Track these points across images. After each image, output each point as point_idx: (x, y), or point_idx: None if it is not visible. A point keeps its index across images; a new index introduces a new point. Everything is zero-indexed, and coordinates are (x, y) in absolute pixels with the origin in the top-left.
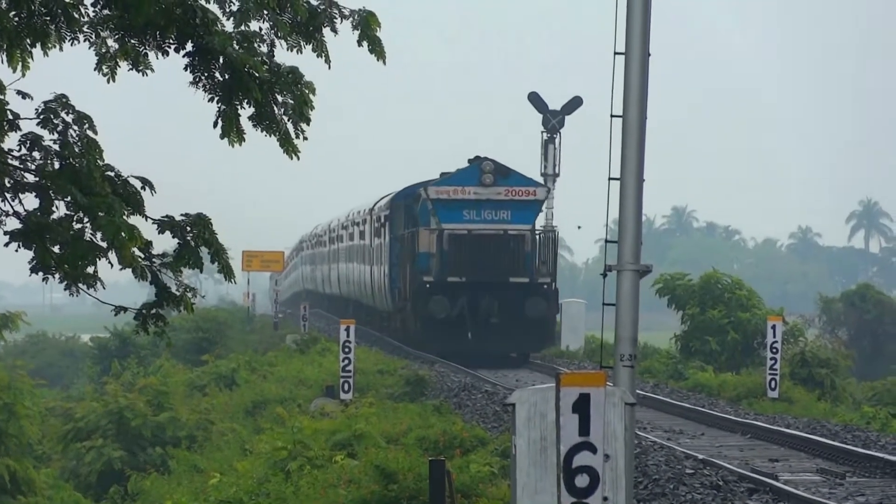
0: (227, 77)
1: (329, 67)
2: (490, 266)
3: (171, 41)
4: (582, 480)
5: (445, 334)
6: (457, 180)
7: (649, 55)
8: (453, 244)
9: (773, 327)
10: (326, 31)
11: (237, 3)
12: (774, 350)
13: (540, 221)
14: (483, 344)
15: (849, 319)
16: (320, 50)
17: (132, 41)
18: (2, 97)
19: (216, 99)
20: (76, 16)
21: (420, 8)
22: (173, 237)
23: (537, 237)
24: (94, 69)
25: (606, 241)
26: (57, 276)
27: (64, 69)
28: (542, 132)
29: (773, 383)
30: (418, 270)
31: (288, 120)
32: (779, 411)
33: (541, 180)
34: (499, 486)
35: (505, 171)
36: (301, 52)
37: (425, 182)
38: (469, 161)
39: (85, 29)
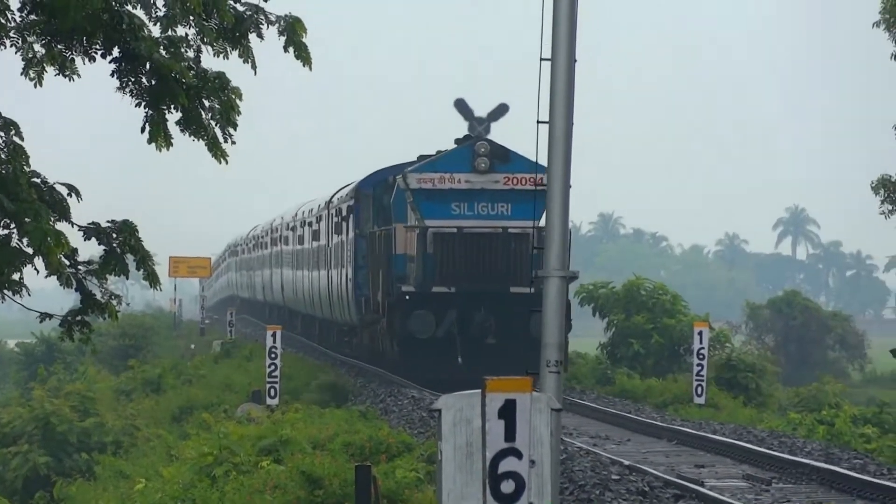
0: (153, 82)
1: (255, 73)
2: (486, 273)
3: (98, 47)
4: (508, 486)
5: (429, 359)
6: (444, 165)
7: (575, 61)
8: (440, 245)
9: (700, 333)
10: (252, 36)
11: (163, 9)
12: (701, 356)
13: None
14: (477, 370)
15: (775, 326)
16: (246, 56)
17: (59, 46)
18: None
19: (143, 104)
20: (2, 21)
21: (337, 15)
22: (99, 244)
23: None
24: (21, 74)
25: (534, 248)
26: None
27: None
28: None
29: (699, 389)
30: (395, 278)
31: (216, 125)
32: (705, 417)
33: None
34: (424, 492)
35: (504, 153)
36: (227, 58)
37: (401, 166)
38: (457, 141)
39: (11, 34)
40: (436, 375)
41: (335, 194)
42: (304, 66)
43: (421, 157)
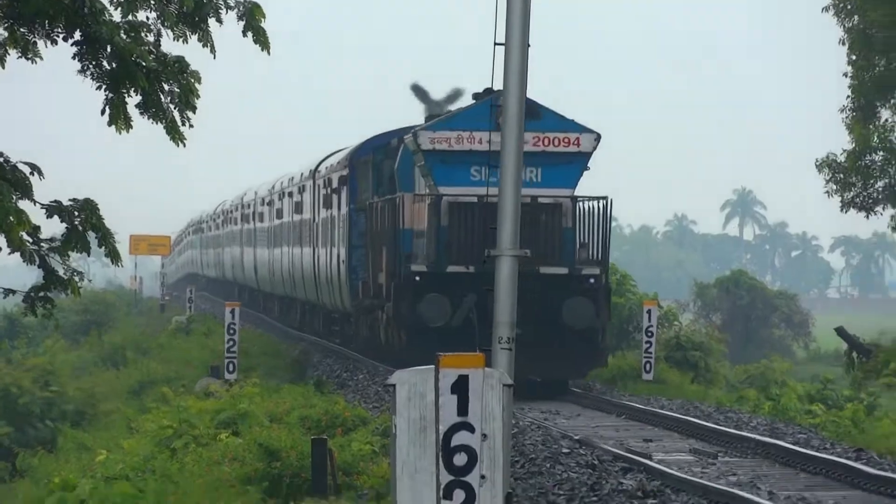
0: (114, 66)
1: (214, 57)
2: None
3: (60, 30)
4: (460, 459)
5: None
6: (461, 122)
7: (529, 46)
8: (456, 217)
9: (649, 311)
10: (212, 21)
11: None
12: (649, 334)
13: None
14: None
15: (722, 305)
16: (206, 40)
17: (21, 30)
18: None
19: (104, 87)
20: None
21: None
22: (61, 221)
23: (581, 207)
24: None
25: (490, 227)
26: None
27: None
28: None
29: (647, 366)
30: (401, 256)
31: (174, 108)
32: (653, 393)
33: None
34: (379, 465)
35: (533, 108)
36: (187, 42)
37: (408, 128)
38: (475, 96)
39: None
40: None
41: (322, 162)
42: (262, 50)
43: (428, 117)
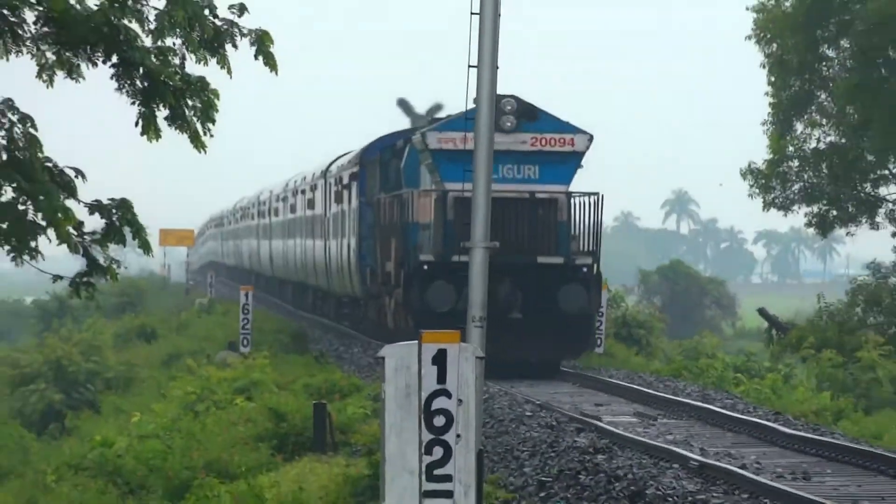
0: (146, 85)
1: (231, 77)
2: (511, 241)
3: (100, 54)
4: (439, 421)
5: None
6: (466, 124)
7: (497, 68)
8: (461, 211)
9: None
10: (228, 46)
11: (154, 23)
12: (600, 313)
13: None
14: (501, 348)
15: (662, 289)
16: (223, 62)
17: (67, 54)
18: None
19: (137, 103)
20: (20, 32)
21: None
22: (101, 218)
23: (574, 202)
24: (36, 76)
25: (466, 223)
26: (6, 248)
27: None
28: None
29: (598, 341)
30: (410, 247)
31: (197, 120)
32: (603, 364)
33: None
34: (370, 425)
35: (531, 111)
36: (207, 64)
37: (414, 129)
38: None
39: (27, 44)
40: None
41: (333, 163)
42: (270, 71)
43: (433, 120)
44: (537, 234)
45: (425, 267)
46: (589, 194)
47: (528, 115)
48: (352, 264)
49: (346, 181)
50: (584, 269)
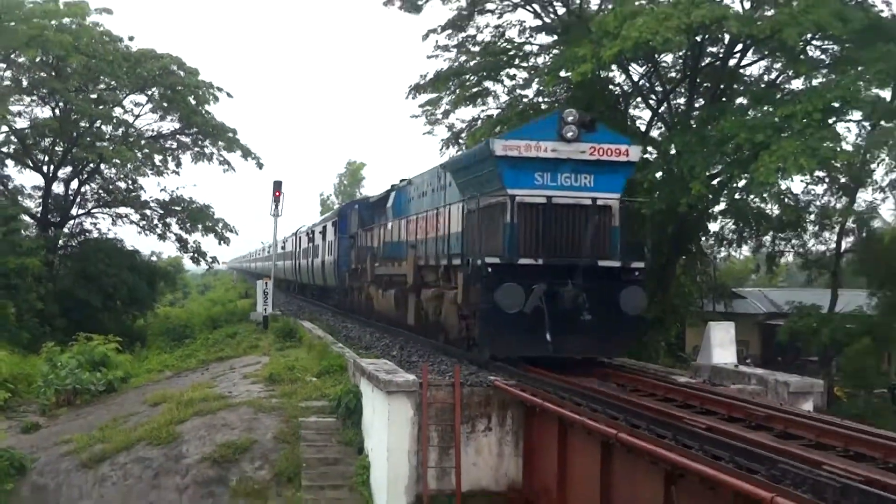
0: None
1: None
2: (573, 245)
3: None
4: None
5: (515, 336)
6: (530, 132)
7: None
8: (525, 216)
9: None
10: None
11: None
12: None
13: None
14: (564, 348)
15: None
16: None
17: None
18: None
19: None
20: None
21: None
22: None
23: (626, 209)
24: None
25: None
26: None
27: None
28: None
29: None
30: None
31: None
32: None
33: None
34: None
35: (590, 122)
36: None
37: (378, 195)
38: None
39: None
40: (522, 353)
41: (320, 221)
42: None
43: (401, 181)
44: (597, 239)
45: (490, 269)
46: (637, 201)
47: (588, 126)
48: (334, 268)
49: (329, 226)
50: (637, 273)
